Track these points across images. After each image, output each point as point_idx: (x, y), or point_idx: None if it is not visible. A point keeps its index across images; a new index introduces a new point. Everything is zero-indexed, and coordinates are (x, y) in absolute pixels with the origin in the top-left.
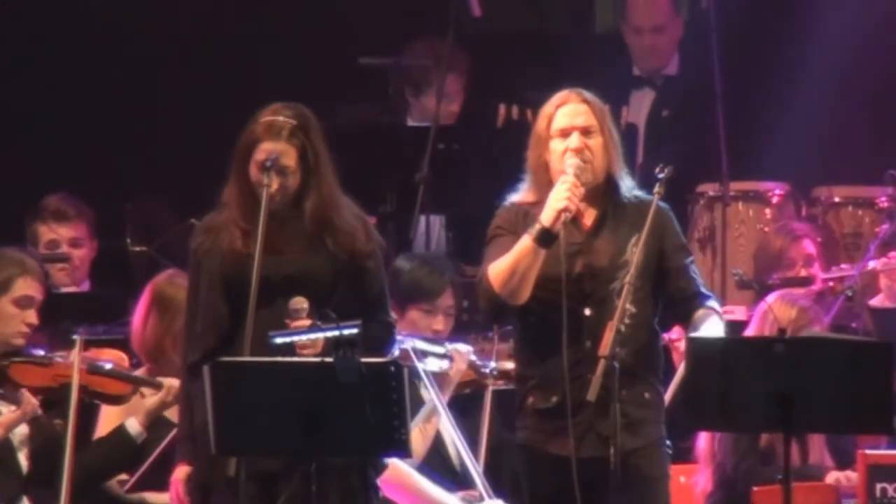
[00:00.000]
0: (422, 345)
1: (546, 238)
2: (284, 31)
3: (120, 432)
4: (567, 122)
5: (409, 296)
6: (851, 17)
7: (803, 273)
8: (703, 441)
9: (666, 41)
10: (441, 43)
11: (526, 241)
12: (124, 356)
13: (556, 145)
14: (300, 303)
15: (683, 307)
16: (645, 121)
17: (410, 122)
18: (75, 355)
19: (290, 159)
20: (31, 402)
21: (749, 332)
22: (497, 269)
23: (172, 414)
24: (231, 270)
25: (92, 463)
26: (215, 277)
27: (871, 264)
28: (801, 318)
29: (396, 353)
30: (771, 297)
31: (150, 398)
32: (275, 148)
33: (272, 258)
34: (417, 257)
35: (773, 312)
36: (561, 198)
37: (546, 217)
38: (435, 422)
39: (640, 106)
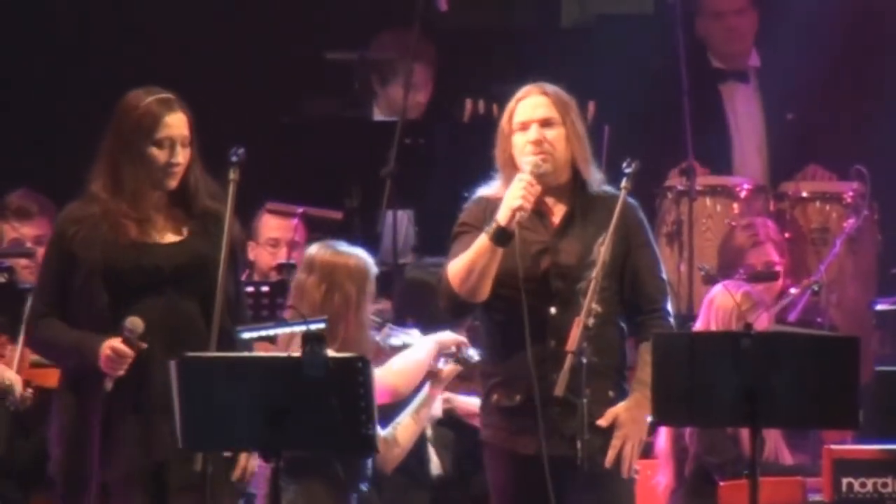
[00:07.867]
0: (404, 338)
1: (502, 237)
2: (251, 25)
3: None
4: (526, 115)
5: None
6: (829, 11)
7: None
8: (664, 438)
9: (747, 25)
10: (407, 34)
11: (483, 240)
12: None
13: (518, 139)
14: (135, 323)
15: (638, 320)
16: (762, 120)
17: (377, 114)
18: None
19: (188, 129)
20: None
21: (697, 325)
22: (455, 267)
23: None
24: (119, 260)
25: None
26: (97, 266)
27: None
28: (745, 301)
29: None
30: (714, 289)
31: None
32: (176, 119)
33: (157, 247)
34: None
35: (715, 302)
36: (516, 196)
37: (501, 216)
38: (424, 413)
39: (734, 100)
